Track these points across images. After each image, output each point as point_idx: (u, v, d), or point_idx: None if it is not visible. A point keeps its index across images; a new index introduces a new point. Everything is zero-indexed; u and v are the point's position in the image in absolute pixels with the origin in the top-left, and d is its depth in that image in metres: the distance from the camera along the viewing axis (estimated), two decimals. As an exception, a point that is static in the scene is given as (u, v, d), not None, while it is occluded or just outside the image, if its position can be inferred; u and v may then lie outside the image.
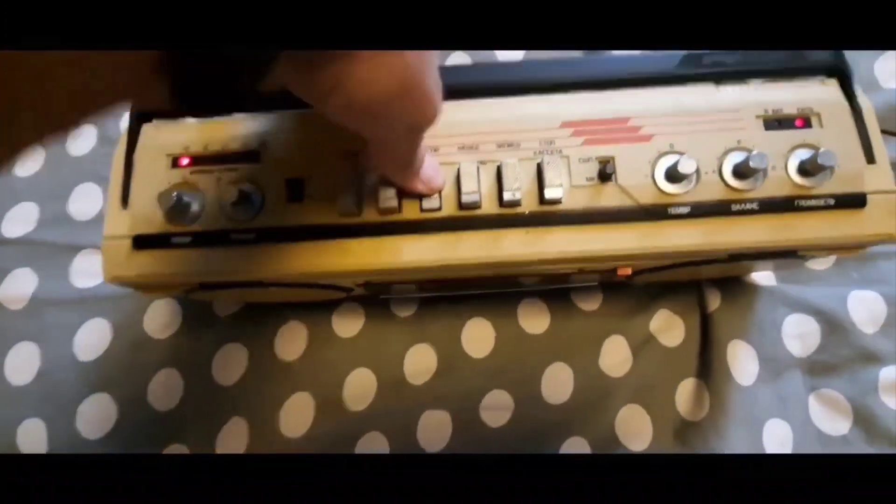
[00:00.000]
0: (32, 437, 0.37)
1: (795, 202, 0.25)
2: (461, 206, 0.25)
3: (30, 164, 0.43)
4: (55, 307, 0.39)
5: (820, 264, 0.37)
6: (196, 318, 0.39)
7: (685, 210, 0.25)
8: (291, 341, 0.39)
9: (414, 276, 0.29)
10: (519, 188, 0.25)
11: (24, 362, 0.38)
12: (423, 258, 0.26)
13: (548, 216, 0.25)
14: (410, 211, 0.26)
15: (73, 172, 0.42)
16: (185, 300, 0.40)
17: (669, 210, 0.25)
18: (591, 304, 0.39)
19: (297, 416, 0.38)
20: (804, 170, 0.25)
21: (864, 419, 0.34)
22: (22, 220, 0.41)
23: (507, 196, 0.25)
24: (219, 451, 0.37)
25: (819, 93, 0.26)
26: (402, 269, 0.26)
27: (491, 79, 0.27)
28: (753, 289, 0.37)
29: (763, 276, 0.38)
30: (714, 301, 0.37)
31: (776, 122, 0.26)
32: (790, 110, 0.26)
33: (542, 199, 0.25)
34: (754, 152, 0.24)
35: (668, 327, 0.38)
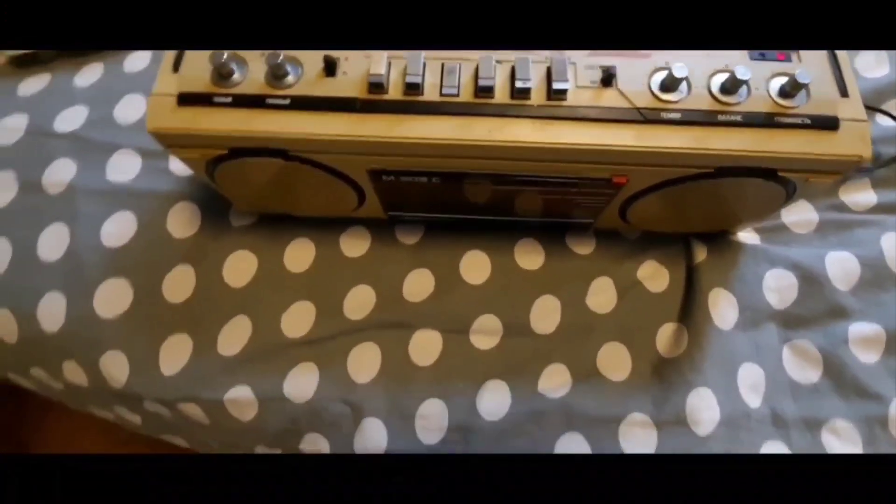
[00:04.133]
0: (52, 309, 0.39)
1: (775, 118, 0.28)
2: (477, 92, 0.29)
3: (88, 75, 0.47)
4: (89, 196, 0.42)
5: (801, 228, 0.40)
6: (213, 224, 0.42)
7: (677, 116, 0.28)
8: (300, 255, 0.42)
9: (424, 162, 0.31)
10: (530, 80, 0.28)
11: (55, 241, 0.41)
12: (437, 135, 0.29)
13: (554, 110, 0.29)
14: (431, 93, 0.29)
15: (124, 84, 0.46)
16: (206, 203, 0.42)
17: (662, 115, 0.28)
18: (584, 249, 0.41)
19: (298, 320, 0.40)
20: (784, 92, 0.28)
21: (833, 369, 0.36)
22: (72, 119, 0.45)
23: (518, 85, 0.28)
24: (220, 342, 0.39)
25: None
26: (415, 145, 0.29)
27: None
28: (738, 246, 0.39)
29: (748, 236, 0.40)
30: (700, 254, 0.40)
31: (760, 54, 0.29)
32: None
33: (549, 94, 0.29)
34: (739, 68, 0.27)
35: (655, 275, 0.40)
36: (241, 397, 0.38)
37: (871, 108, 0.30)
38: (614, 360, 0.38)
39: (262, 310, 0.40)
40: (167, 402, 0.39)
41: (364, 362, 0.39)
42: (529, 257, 0.41)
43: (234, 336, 0.39)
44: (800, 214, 0.40)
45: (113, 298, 0.40)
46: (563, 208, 0.37)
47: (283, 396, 0.38)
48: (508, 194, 0.35)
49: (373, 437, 0.36)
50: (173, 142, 0.31)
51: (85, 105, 0.46)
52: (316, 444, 0.37)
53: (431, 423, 0.37)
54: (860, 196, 0.40)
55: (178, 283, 0.40)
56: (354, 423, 0.37)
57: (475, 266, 0.40)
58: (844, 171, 0.29)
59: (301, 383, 0.38)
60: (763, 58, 0.29)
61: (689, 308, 0.38)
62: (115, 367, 0.39)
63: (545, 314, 0.39)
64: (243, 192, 0.38)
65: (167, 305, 0.40)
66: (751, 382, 0.35)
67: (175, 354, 0.39)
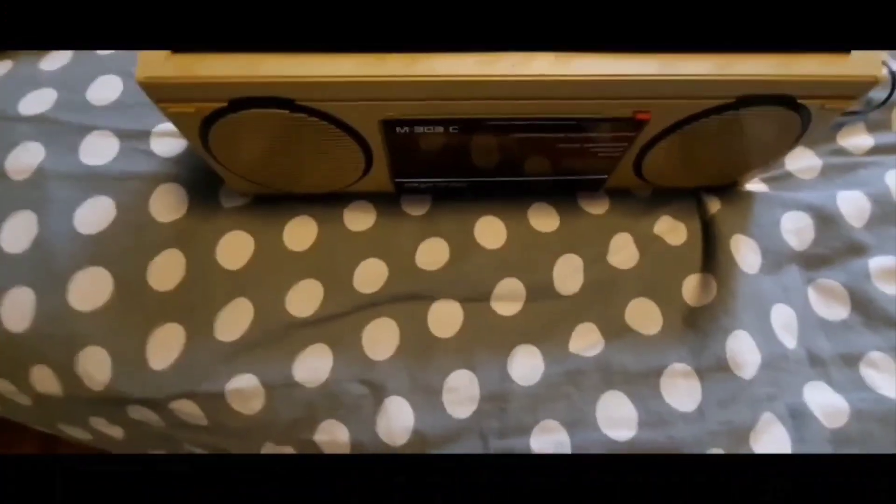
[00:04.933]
0: (18, 306, 0.34)
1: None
2: (498, 28, 0.28)
3: (54, 60, 0.44)
4: (60, 180, 0.38)
5: (807, 174, 0.40)
6: (202, 206, 0.39)
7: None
8: (300, 233, 0.39)
9: (442, 107, 0.30)
10: (552, 11, 0.28)
11: (20, 231, 0.36)
12: (458, 72, 0.27)
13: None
14: (450, 30, 0.28)
15: (98, 66, 0.43)
16: (193, 185, 0.39)
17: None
18: (597, 209, 0.40)
19: (305, 298, 0.36)
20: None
21: (861, 304, 0.36)
22: (39, 101, 0.41)
23: (540, 17, 0.27)
24: (218, 328, 0.35)
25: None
26: (435, 83, 0.27)
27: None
28: (749, 195, 0.40)
29: (756, 186, 0.40)
30: (713, 206, 0.39)
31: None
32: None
33: (571, 27, 0.28)
34: (755, -8, 0.27)
35: (672, 230, 0.39)
36: (245, 387, 0.34)
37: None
38: (644, 315, 0.36)
39: (264, 291, 0.36)
40: (157, 403, 0.34)
41: (381, 338, 0.36)
42: (544, 220, 0.39)
43: (234, 320, 0.35)
44: (803, 162, 0.41)
45: (90, 290, 0.35)
46: (580, 161, 0.36)
47: (293, 382, 0.34)
48: (525, 147, 0.34)
49: (398, 416, 0.33)
50: (165, 94, 0.28)
51: (53, 88, 0.42)
52: (333, 432, 0.34)
53: (461, 395, 0.34)
54: (858, 140, 0.41)
55: (166, 270, 0.37)
56: (376, 404, 0.34)
57: (490, 231, 0.39)
58: (859, 94, 0.30)
59: (313, 366, 0.34)
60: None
61: (713, 256, 0.37)
62: (95, 365, 0.34)
63: (568, 274, 0.38)
64: (239, 162, 0.35)
65: (154, 294, 0.36)
66: (783, 323, 0.35)
67: (165, 346, 0.34)
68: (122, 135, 0.40)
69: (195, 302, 0.36)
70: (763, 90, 0.29)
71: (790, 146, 0.34)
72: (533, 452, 0.32)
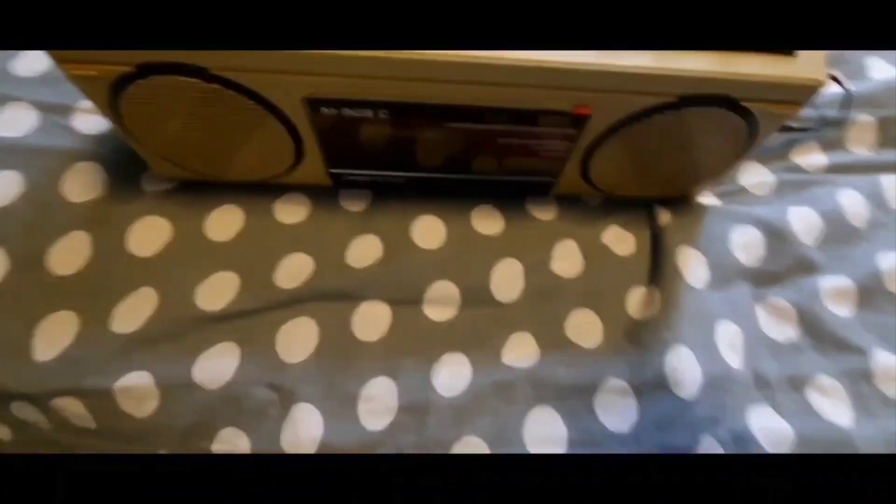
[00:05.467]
0: None
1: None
2: (427, 5, 0.26)
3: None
4: (-37, 151, 0.35)
5: (760, 189, 0.39)
6: (121, 188, 0.36)
7: (637, 36, 0.27)
8: (225, 222, 0.36)
9: (369, 88, 0.28)
10: (484, -9, 0.26)
11: None
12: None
13: (510, 26, 0.26)
14: (377, 5, 0.26)
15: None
16: (114, 166, 0.36)
17: (624, 35, 0.27)
18: (546, 214, 0.38)
19: (217, 291, 0.33)
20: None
21: (810, 324, 0.34)
22: (-47, 70, 0.38)
23: (472, -4, 0.26)
24: (115, 318, 0.32)
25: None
26: (359, 59, 0.25)
27: None
28: (701, 207, 0.38)
29: (709, 200, 0.39)
30: (664, 218, 0.38)
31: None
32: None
33: (505, 11, 0.26)
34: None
35: (620, 239, 0.37)
36: (137, 385, 0.30)
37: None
38: (584, 327, 0.34)
39: (173, 281, 0.33)
40: (38, 399, 0.30)
41: (297, 339, 0.33)
42: (488, 222, 0.37)
43: (134, 311, 0.32)
44: (757, 177, 0.40)
45: (-22, 270, 0.32)
46: (522, 161, 0.34)
47: (191, 382, 0.30)
48: (463, 141, 0.32)
49: (306, 426, 0.30)
50: (67, 53, 0.26)
51: (-26, 58, 0.39)
52: (233, 441, 0.30)
53: (378, 405, 0.31)
54: (812, 157, 0.40)
55: (69, 253, 0.33)
56: (283, 412, 0.30)
57: (428, 230, 0.36)
58: (803, 98, 0.28)
59: (216, 366, 0.31)
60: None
61: (659, 269, 0.35)
62: (-29, 352, 0.30)
63: (507, 280, 0.35)
64: (157, 139, 0.33)
65: (53, 278, 0.32)
66: (729, 341, 0.33)
67: (54, 335, 0.31)
68: (44, 108, 0.37)
69: (95, 289, 0.32)
70: (704, 89, 0.28)
71: (739, 154, 0.33)
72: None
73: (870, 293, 0.35)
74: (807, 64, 0.27)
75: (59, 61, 0.27)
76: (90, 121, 0.38)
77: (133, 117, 0.30)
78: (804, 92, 0.28)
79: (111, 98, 0.29)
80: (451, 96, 0.28)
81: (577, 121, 0.30)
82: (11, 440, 0.35)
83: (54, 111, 0.37)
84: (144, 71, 0.27)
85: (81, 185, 0.36)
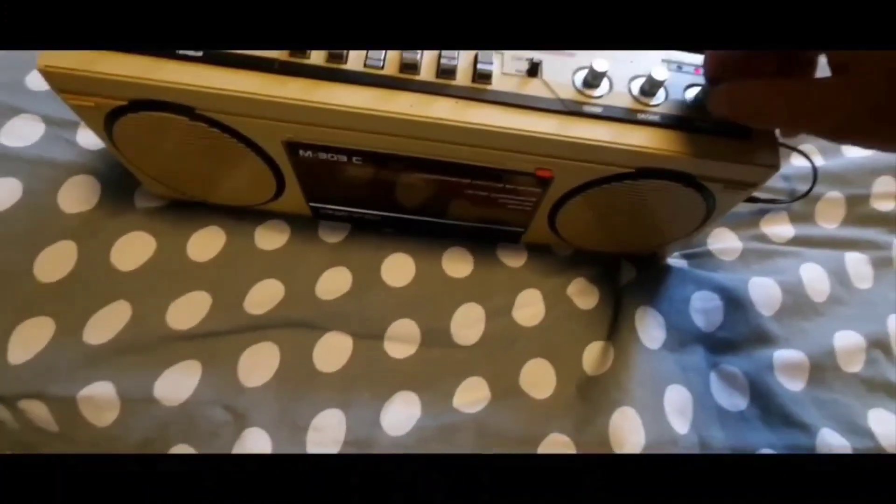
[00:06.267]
0: None
1: (691, 122, 0.28)
2: (402, 67, 0.28)
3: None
4: (-31, 156, 0.37)
5: (726, 255, 0.40)
6: (113, 203, 0.38)
7: (598, 110, 0.28)
8: (206, 243, 0.38)
9: (343, 137, 0.29)
10: (456, 59, 0.28)
11: None
12: (355, 104, 0.27)
13: (478, 92, 0.28)
14: (355, 63, 0.28)
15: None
16: (110, 181, 0.38)
17: (585, 108, 0.28)
18: (515, 262, 0.39)
19: (188, 311, 0.35)
20: (699, 102, 0.29)
21: (760, 396, 0.34)
22: (-29, 78, 0.41)
23: (444, 62, 0.28)
24: (88, 328, 0.33)
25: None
26: (332, 112, 0.27)
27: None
28: (666, 268, 0.39)
29: (676, 261, 0.40)
30: (629, 274, 0.39)
31: (677, 66, 0.30)
32: (690, 61, 0.31)
33: (475, 77, 0.28)
34: (656, 69, 0.28)
35: (584, 292, 0.38)
36: (99, 395, 0.31)
37: (787, 147, 0.31)
38: (538, 377, 0.35)
39: (148, 297, 0.35)
40: (8, 400, 0.32)
41: (258, 363, 0.34)
42: (457, 265, 0.39)
43: (106, 323, 0.33)
44: (724, 243, 0.40)
45: (-33, 271, 0.34)
46: (492, 211, 0.36)
47: (151, 397, 0.32)
48: (435, 189, 0.34)
49: (254, 451, 0.31)
50: (66, 85, 0.28)
51: (-9, 69, 0.42)
52: (184, 458, 0.31)
53: (325, 437, 0.32)
54: (779, 228, 0.41)
55: (55, 261, 0.35)
56: (235, 434, 0.31)
57: (398, 268, 0.38)
58: (759, 181, 0.29)
59: (177, 383, 0.32)
60: (680, 70, 0.30)
61: (617, 326, 0.36)
62: (-52, 350, 0.32)
63: (468, 323, 0.36)
64: (148, 163, 0.35)
65: (35, 284, 0.34)
66: (678, 406, 0.33)
67: (29, 340, 0.32)
68: (50, 121, 0.40)
69: (74, 298, 0.34)
70: (660, 164, 0.29)
71: (699, 224, 0.34)
72: None
73: (822, 370, 0.35)
74: (761, 147, 0.29)
75: (59, 91, 0.29)
76: (91, 136, 0.40)
77: (125, 143, 0.32)
78: (759, 175, 0.29)
79: (105, 126, 0.31)
80: (421, 151, 0.30)
81: (541, 181, 0.32)
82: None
83: (59, 125, 0.40)
84: (136, 106, 0.29)
85: (77, 196, 0.38)
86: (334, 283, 0.37)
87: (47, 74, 0.27)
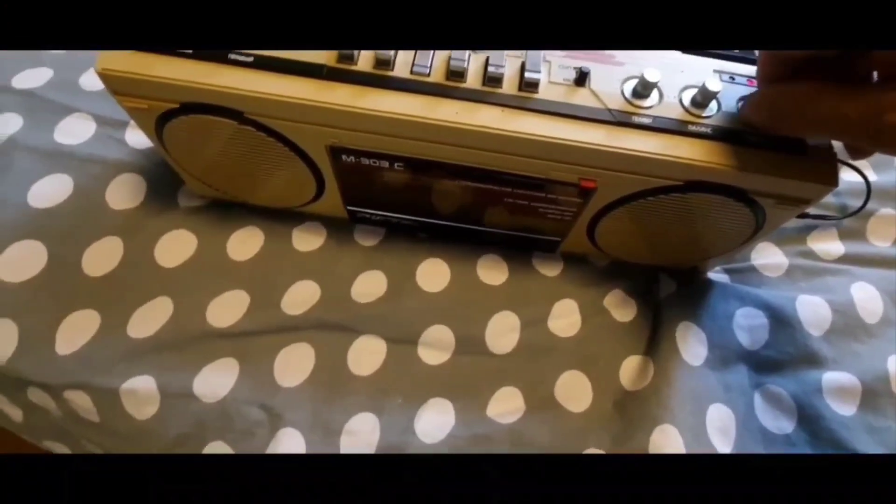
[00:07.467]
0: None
1: (744, 136, 0.27)
2: (448, 74, 0.28)
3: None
4: (27, 152, 0.39)
5: (771, 272, 0.38)
6: (158, 201, 0.39)
7: (647, 121, 0.28)
8: (245, 243, 0.38)
9: (387, 143, 0.29)
10: (503, 67, 0.28)
11: (-34, 194, 0.37)
12: (401, 111, 0.27)
13: (524, 100, 0.28)
14: (401, 70, 0.28)
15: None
16: (155, 179, 0.40)
17: (633, 118, 0.28)
18: (550, 271, 0.39)
19: (227, 309, 0.35)
20: (752, 114, 0.28)
21: (808, 419, 0.33)
22: (33, 78, 0.43)
23: (491, 71, 0.27)
24: (131, 323, 0.34)
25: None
26: (378, 118, 0.27)
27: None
28: (708, 282, 0.38)
29: (717, 276, 0.39)
30: (669, 287, 0.38)
31: (730, 77, 0.29)
32: (743, 73, 0.30)
33: (521, 85, 0.28)
34: (710, 80, 0.27)
35: (622, 305, 0.37)
36: (141, 389, 0.32)
37: (841, 162, 0.30)
38: (574, 389, 0.34)
39: (189, 294, 0.35)
40: (53, 389, 0.33)
41: (294, 364, 0.34)
42: (492, 272, 0.38)
43: (149, 318, 0.34)
44: (769, 258, 0.39)
45: (22, 262, 0.35)
46: (530, 220, 0.35)
47: (190, 393, 0.32)
48: (473, 196, 0.34)
49: (288, 451, 0.31)
50: (122, 87, 0.29)
51: (51, 67, 0.44)
52: (219, 455, 0.32)
53: (359, 441, 0.32)
54: (828, 245, 0.39)
55: (102, 256, 0.36)
56: (270, 434, 0.32)
57: (433, 273, 0.38)
58: (814, 198, 0.28)
59: (215, 380, 0.33)
60: (733, 81, 0.29)
61: (657, 341, 0.35)
62: (1, 337, 0.33)
63: (503, 332, 0.36)
64: (194, 164, 0.36)
65: (83, 277, 0.35)
66: (720, 426, 0.32)
67: (76, 332, 0.34)
68: (101, 121, 0.41)
69: (119, 293, 0.35)
70: (710, 178, 0.28)
71: (746, 239, 0.33)
72: None
73: (875, 395, 0.33)
74: (817, 164, 0.27)
75: (115, 92, 0.30)
76: (139, 136, 0.42)
77: (174, 144, 0.33)
78: (814, 192, 0.28)
79: (156, 127, 0.32)
80: (462, 158, 0.30)
81: (584, 192, 0.31)
82: (22, 422, 0.38)
83: (110, 124, 0.41)
84: (187, 109, 0.30)
85: (124, 194, 0.39)
86: (369, 286, 0.37)
87: (105, 77, 0.28)
